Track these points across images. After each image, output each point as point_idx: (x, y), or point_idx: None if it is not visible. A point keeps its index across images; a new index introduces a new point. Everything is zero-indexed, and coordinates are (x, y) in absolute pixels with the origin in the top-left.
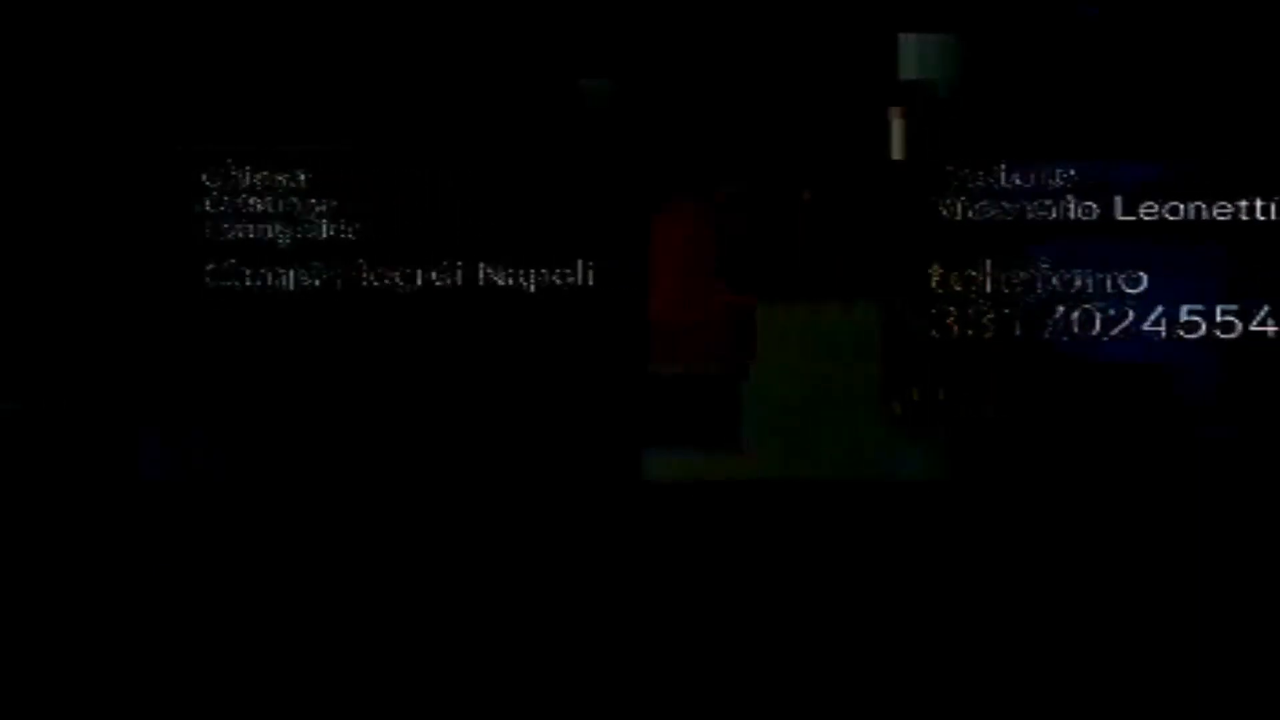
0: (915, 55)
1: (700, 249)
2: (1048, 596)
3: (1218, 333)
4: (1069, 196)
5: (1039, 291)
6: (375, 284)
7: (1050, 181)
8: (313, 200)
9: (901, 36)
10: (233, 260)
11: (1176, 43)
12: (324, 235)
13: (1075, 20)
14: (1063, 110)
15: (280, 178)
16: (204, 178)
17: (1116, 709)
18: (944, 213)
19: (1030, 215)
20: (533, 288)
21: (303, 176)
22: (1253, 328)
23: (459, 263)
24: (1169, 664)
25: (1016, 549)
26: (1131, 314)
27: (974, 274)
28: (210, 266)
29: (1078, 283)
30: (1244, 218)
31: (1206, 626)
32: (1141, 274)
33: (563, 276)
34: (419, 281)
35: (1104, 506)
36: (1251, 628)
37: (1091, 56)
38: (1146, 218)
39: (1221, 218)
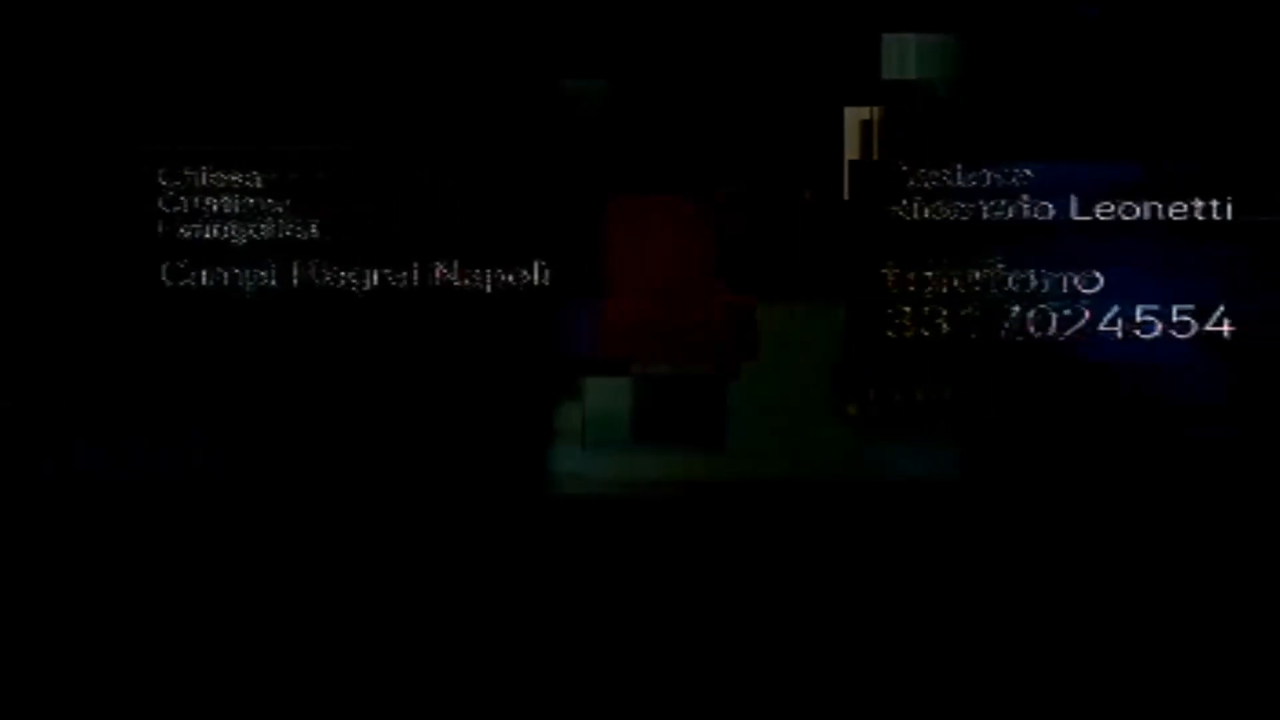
0: (898, 54)
1: (700, 248)
2: (1022, 600)
3: (1174, 333)
4: (1024, 196)
5: (995, 292)
6: (331, 284)
7: (1006, 181)
8: (269, 200)
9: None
10: (188, 260)
11: (1139, 45)
12: (281, 235)
13: (1073, 20)
14: (1053, 110)
15: (236, 177)
16: (160, 177)
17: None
18: (900, 213)
19: (985, 215)
20: (488, 288)
21: (259, 177)
22: (1208, 328)
23: (414, 262)
24: (1134, 678)
25: (989, 552)
26: (1087, 314)
27: (930, 274)
28: (166, 266)
29: (1034, 282)
30: (1199, 218)
31: (1169, 642)
32: (1098, 274)
33: (517, 276)
34: (375, 281)
35: (1074, 508)
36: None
37: (1063, 58)
38: (1103, 218)
39: (1177, 218)
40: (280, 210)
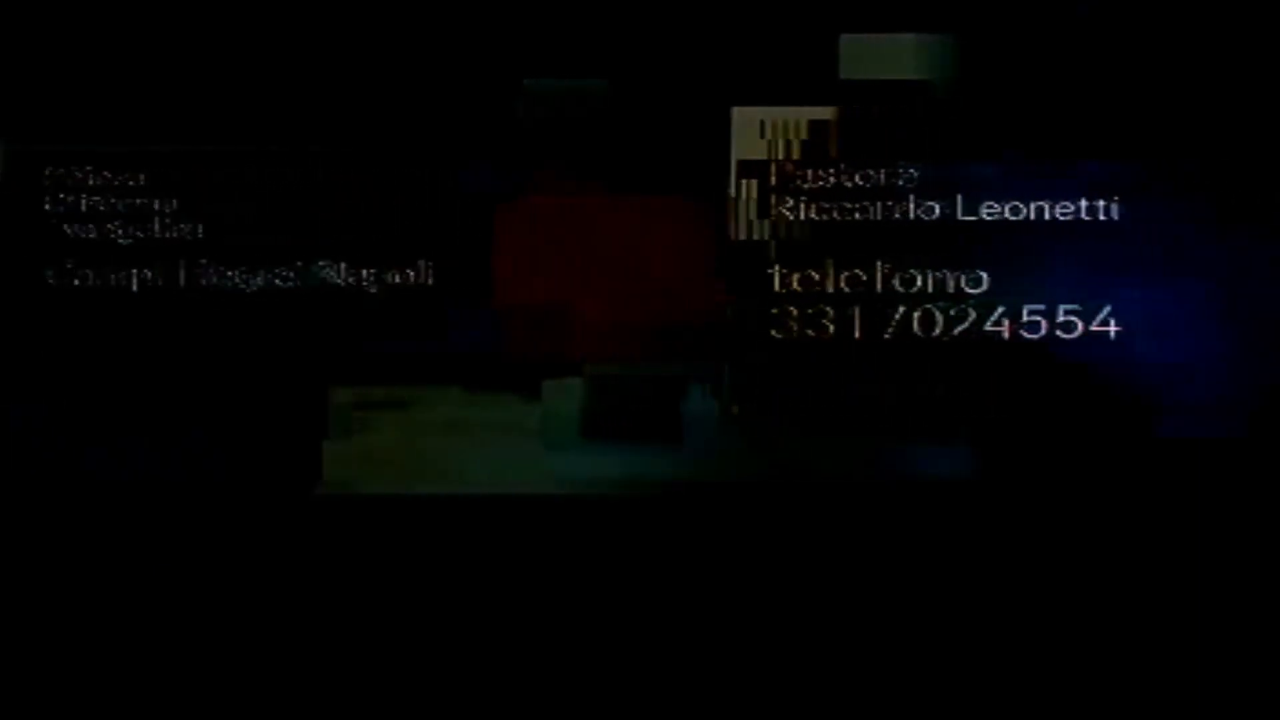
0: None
1: (700, 248)
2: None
3: (1059, 333)
4: (911, 197)
5: (881, 291)
6: (213, 283)
7: (894, 182)
8: (153, 200)
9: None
10: (73, 260)
11: (1030, 47)
12: (164, 235)
13: (1069, 18)
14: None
15: (120, 178)
16: (45, 177)
17: None
18: (786, 212)
19: (872, 216)
20: (373, 287)
21: (143, 177)
22: (1094, 328)
23: (298, 262)
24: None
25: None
26: (973, 314)
27: (815, 275)
28: (51, 266)
29: (920, 283)
30: (1085, 218)
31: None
32: (983, 274)
33: (404, 275)
34: (259, 281)
35: (982, 509)
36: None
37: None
38: (988, 217)
39: (1064, 217)
40: (169, 211)
